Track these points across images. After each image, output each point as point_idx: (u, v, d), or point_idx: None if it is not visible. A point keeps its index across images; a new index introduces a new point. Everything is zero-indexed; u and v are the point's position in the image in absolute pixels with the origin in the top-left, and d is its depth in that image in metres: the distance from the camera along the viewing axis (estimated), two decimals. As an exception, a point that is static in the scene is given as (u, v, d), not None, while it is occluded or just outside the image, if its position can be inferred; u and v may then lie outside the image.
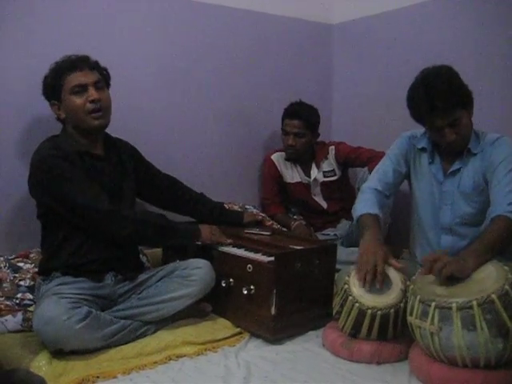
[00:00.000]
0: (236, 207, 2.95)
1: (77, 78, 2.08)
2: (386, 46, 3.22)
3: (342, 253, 2.51)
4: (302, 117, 2.99)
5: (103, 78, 2.18)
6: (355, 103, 3.47)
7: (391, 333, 1.91)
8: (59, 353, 1.89)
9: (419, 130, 2.25)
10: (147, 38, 2.79)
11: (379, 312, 1.87)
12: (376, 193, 2.22)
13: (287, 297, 2.07)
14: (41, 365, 1.81)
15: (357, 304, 1.90)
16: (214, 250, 2.28)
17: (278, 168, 3.16)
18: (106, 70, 2.21)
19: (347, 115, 3.53)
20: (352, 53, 3.48)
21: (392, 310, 1.87)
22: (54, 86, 2.10)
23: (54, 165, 2.03)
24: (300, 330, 2.16)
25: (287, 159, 3.13)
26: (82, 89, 2.08)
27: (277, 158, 3.17)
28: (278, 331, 2.06)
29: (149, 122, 2.68)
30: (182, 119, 2.96)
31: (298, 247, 2.20)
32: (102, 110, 2.12)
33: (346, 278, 1.99)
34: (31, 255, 2.40)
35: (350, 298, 1.92)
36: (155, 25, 2.82)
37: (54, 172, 2.03)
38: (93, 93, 2.08)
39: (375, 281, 1.92)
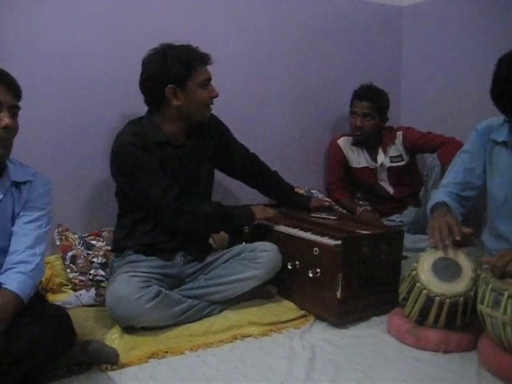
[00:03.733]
0: (302, 191, 2.95)
1: (206, 72, 2.19)
2: (458, 29, 3.12)
3: (408, 240, 2.47)
4: (372, 98, 2.96)
5: None
6: (425, 88, 3.38)
7: (460, 321, 1.87)
8: (130, 328, 1.96)
9: (496, 117, 2.08)
10: (215, 23, 2.82)
11: (448, 300, 1.83)
12: (448, 193, 2.15)
13: (353, 281, 2.07)
14: (113, 338, 1.89)
15: (425, 291, 1.87)
16: (280, 232, 2.29)
17: (344, 152, 3.13)
18: None
19: (416, 100, 3.44)
20: (422, 36, 3.39)
21: (461, 299, 1.83)
22: (180, 73, 2.12)
23: (132, 153, 2.09)
24: (364, 314, 2.15)
25: (354, 143, 3.10)
26: (208, 83, 2.20)
27: (343, 142, 3.14)
28: (342, 315, 2.07)
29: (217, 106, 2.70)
30: (250, 102, 2.98)
31: (365, 232, 2.19)
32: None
33: (415, 264, 1.96)
34: (103, 233, 2.50)
35: (418, 284, 1.90)
36: (225, 9, 2.84)
37: (130, 160, 2.09)
38: (214, 89, 2.21)
39: (445, 265, 1.88)
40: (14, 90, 1.60)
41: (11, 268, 1.56)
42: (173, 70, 2.11)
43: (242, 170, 2.54)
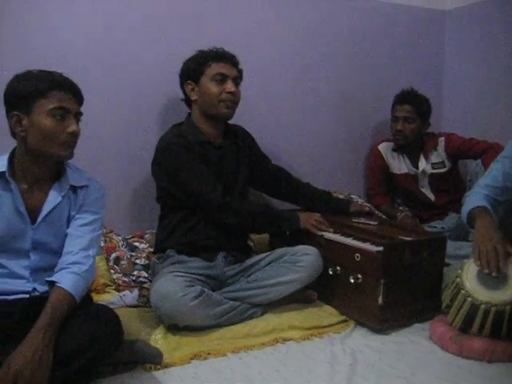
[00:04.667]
0: (341, 196, 2.95)
1: (220, 67, 2.25)
2: (502, 32, 3.07)
3: (450, 246, 2.43)
4: (412, 102, 2.95)
5: (239, 77, 2.34)
6: (468, 94, 3.34)
7: (506, 331, 1.84)
8: (173, 328, 1.99)
9: None
10: (259, 28, 2.85)
11: (493, 308, 1.81)
12: (484, 196, 2.13)
13: (395, 287, 2.06)
14: (157, 338, 1.92)
15: (469, 298, 1.85)
16: (322, 237, 2.29)
17: (385, 158, 3.11)
18: (242, 70, 2.36)
19: (459, 106, 3.40)
20: (465, 40, 3.35)
21: (508, 307, 1.80)
22: (195, 69, 2.26)
23: (177, 153, 2.18)
24: (406, 321, 2.14)
25: (394, 149, 3.08)
26: (222, 78, 2.24)
27: (384, 148, 3.12)
28: (384, 321, 2.06)
29: (259, 109, 2.74)
30: (292, 106, 3.00)
31: (408, 238, 2.17)
32: (234, 103, 2.28)
33: (459, 271, 1.94)
34: (146, 236, 2.55)
35: (463, 291, 1.88)
36: (268, 13, 2.87)
37: (176, 160, 2.17)
38: (231, 85, 2.24)
39: (491, 274, 1.85)
40: (79, 97, 1.67)
41: (65, 268, 1.60)
42: (190, 66, 2.29)
43: (275, 183, 2.57)
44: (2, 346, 1.47)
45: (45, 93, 1.58)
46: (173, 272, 2.04)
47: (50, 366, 1.39)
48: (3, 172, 1.62)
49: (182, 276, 2.02)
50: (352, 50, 3.16)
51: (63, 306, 1.51)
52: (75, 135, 1.64)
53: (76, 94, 1.65)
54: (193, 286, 2.00)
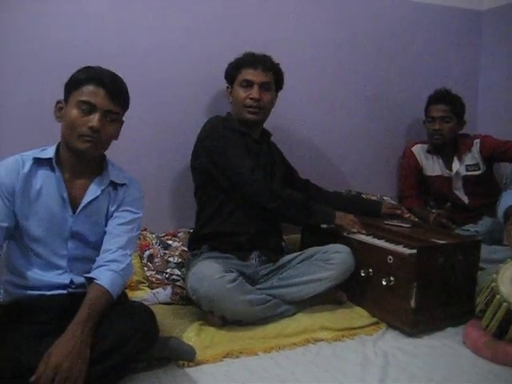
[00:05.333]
0: (373, 198, 2.93)
1: (248, 74, 2.31)
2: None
3: (484, 250, 2.40)
4: (447, 101, 2.94)
5: (275, 81, 2.38)
6: (504, 95, 3.29)
7: (542, 337, 1.82)
8: (207, 326, 2.02)
9: None
10: (295, 29, 2.86)
11: (529, 314, 1.79)
12: None
13: (427, 291, 2.05)
14: (190, 335, 1.94)
15: (505, 303, 1.83)
16: (354, 239, 2.29)
17: (419, 160, 3.09)
18: (282, 74, 2.41)
19: (494, 108, 3.35)
20: (502, 40, 3.30)
21: (544, 313, 1.78)
22: (231, 73, 2.37)
23: (223, 133, 2.25)
24: (439, 325, 2.12)
25: (429, 151, 3.06)
26: (248, 84, 2.31)
27: (417, 149, 3.10)
28: (416, 324, 2.05)
29: (294, 109, 2.74)
30: (326, 107, 3.00)
31: (441, 241, 2.15)
32: (259, 108, 2.32)
33: (494, 275, 1.92)
34: (179, 234, 2.57)
35: (498, 296, 1.85)
36: (305, 15, 2.88)
37: (222, 139, 2.23)
38: (255, 92, 2.29)
39: None
40: (116, 96, 1.67)
41: (103, 265, 1.64)
42: (227, 71, 2.40)
43: (304, 191, 2.57)
44: (40, 340, 1.50)
45: (79, 85, 1.64)
46: (209, 258, 2.11)
47: (87, 360, 1.42)
48: (50, 159, 1.67)
49: (219, 263, 2.07)
50: (388, 50, 3.15)
51: (101, 303, 1.54)
52: (94, 130, 1.63)
53: (112, 93, 1.65)
54: (229, 271, 2.05)
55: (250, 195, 2.21)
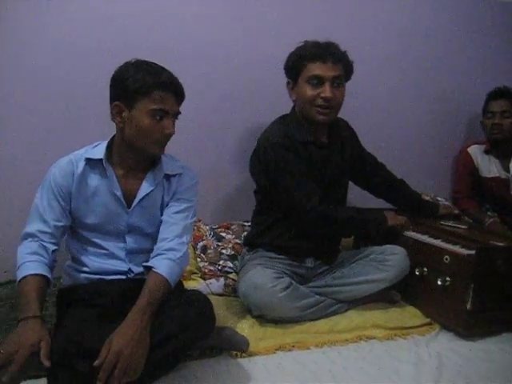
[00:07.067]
0: (427, 198, 2.89)
1: (316, 68, 2.05)
2: None
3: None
4: (507, 96, 2.88)
5: (345, 73, 2.11)
6: None
7: None
8: (259, 318, 2.04)
9: None
10: (360, 26, 2.86)
11: None
12: None
13: (484, 293, 2.00)
14: (244, 327, 1.97)
15: None
16: (410, 237, 2.27)
17: (475, 161, 3.03)
18: (351, 64, 2.14)
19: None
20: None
21: None
22: (294, 67, 2.11)
23: (280, 155, 2.07)
24: (494, 329, 2.07)
25: (486, 151, 2.99)
26: (318, 81, 2.05)
27: (474, 150, 3.04)
28: (472, 327, 2.01)
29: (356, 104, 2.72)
30: (385, 104, 2.99)
31: (500, 244, 2.11)
32: (331, 108, 2.09)
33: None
34: (232, 227, 2.60)
35: (559, 302, 1.81)
36: (367, 12, 2.88)
37: (278, 162, 2.07)
38: (327, 90, 2.04)
39: None
40: (181, 97, 1.70)
41: (161, 254, 1.67)
42: (288, 64, 2.14)
43: (371, 178, 2.48)
44: (100, 323, 1.54)
45: (149, 92, 1.60)
46: (261, 264, 2.08)
47: (147, 347, 1.45)
48: (100, 159, 1.70)
49: (272, 268, 2.06)
50: (447, 47, 3.09)
51: (159, 291, 1.57)
52: (170, 136, 1.69)
53: (178, 95, 1.68)
54: (281, 277, 2.03)
55: (304, 223, 2.11)
